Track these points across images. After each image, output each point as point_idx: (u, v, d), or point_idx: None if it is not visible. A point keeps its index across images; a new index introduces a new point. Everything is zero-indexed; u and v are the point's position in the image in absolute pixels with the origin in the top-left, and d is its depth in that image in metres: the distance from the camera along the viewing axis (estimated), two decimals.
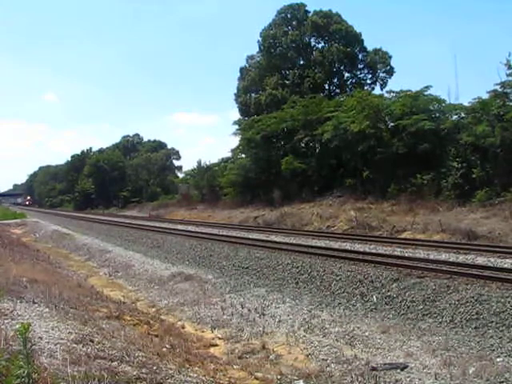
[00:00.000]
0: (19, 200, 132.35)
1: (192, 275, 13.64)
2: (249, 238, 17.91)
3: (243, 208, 32.25)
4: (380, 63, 41.21)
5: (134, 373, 4.10)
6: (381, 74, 41.96)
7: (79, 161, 74.82)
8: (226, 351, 7.64)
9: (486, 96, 22.44)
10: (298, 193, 29.60)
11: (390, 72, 41.73)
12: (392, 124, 26.41)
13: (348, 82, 42.68)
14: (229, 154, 42.51)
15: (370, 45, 42.09)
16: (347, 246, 14.72)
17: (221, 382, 5.17)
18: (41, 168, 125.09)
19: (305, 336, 8.24)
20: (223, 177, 38.17)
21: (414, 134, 23.99)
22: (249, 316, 9.55)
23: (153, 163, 65.63)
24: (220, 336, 8.55)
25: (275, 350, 7.61)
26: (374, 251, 13.18)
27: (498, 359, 6.60)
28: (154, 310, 10.67)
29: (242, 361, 7.03)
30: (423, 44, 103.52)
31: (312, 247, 14.56)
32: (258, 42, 44.14)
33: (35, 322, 5.40)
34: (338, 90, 42.34)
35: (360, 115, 26.43)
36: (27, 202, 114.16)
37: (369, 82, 42.37)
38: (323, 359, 7.15)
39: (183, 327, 9.18)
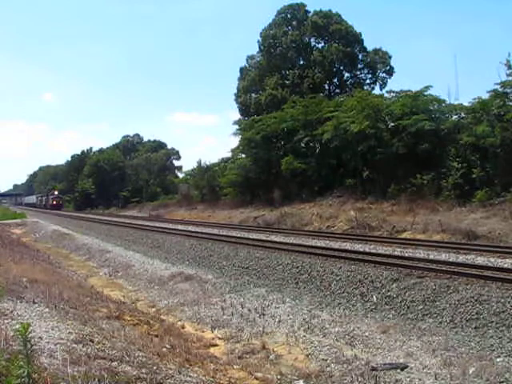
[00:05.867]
0: (31, 199, 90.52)
1: (192, 275, 13.63)
2: (249, 238, 17.90)
3: (243, 208, 32.25)
4: (380, 63, 41.24)
5: (134, 373, 4.10)
6: (381, 74, 42.05)
7: (79, 161, 74.80)
8: (226, 351, 7.63)
9: (486, 96, 22.50)
10: (298, 193, 29.61)
11: (390, 72, 41.80)
12: (392, 124, 26.41)
13: (348, 82, 42.72)
14: (229, 154, 42.60)
15: (369, 45, 42.24)
16: (347, 246, 14.72)
17: (221, 382, 5.17)
18: (41, 168, 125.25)
19: (305, 336, 8.24)
20: (223, 177, 38.18)
21: (414, 134, 24.00)
22: (249, 316, 9.54)
23: (153, 163, 65.62)
24: (220, 336, 8.54)
25: (275, 350, 7.61)
26: (373, 251, 13.17)
27: (498, 359, 6.59)
28: (153, 310, 10.66)
29: (241, 361, 7.03)
30: (423, 44, 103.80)
31: (312, 247, 14.55)
32: (258, 42, 44.28)
33: (35, 322, 5.39)
34: (337, 90, 42.38)
35: (360, 115, 26.43)
36: (54, 202, 70.04)
37: (369, 81, 42.50)
38: (323, 359, 7.14)
39: (183, 327, 9.17)
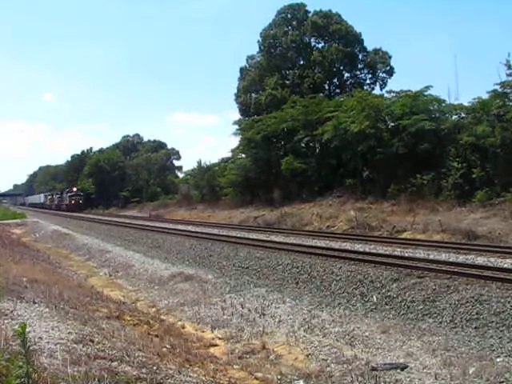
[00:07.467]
0: (37, 198, 78.66)
1: (192, 275, 13.63)
2: (249, 238, 17.91)
3: (243, 208, 32.24)
4: (380, 63, 41.21)
5: (134, 373, 4.10)
6: (381, 74, 41.99)
7: (79, 161, 74.64)
8: (226, 351, 7.63)
9: (486, 96, 22.50)
10: (298, 193, 29.60)
11: (390, 72, 41.76)
12: (392, 124, 26.41)
13: (348, 82, 42.68)
14: (229, 154, 42.55)
15: (369, 45, 42.18)
16: (347, 246, 14.72)
17: (221, 382, 5.17)
18: (41, 168, 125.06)
19: (305, 336, 8.24)
20: (223, 177, 38.17)
21: (414, 134, 23.99)
22: (249, 316, 9.54)
23: (153, 163, 65.54)
24: (220, 336, 8.54)
25: (275, 350, 7.61)
26: (374, 251, 13.18)
27: (498, 359, 6.59)
28: (154, 310, 10.66)
29: (242, 361, 7.03)
30: (423, 44, 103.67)
31: (312, 247, 14.55)
32: (258, 41, 44.24)
33: (35, 322, 5.39)
34: (337, 90, 42.36)
35: (360, 115, 26.42)
36: (73, 202, 57.41)
37: (369, 82, 42.45)
38: (323, 359, 7.14)
39: (183, 327, 9.17)
